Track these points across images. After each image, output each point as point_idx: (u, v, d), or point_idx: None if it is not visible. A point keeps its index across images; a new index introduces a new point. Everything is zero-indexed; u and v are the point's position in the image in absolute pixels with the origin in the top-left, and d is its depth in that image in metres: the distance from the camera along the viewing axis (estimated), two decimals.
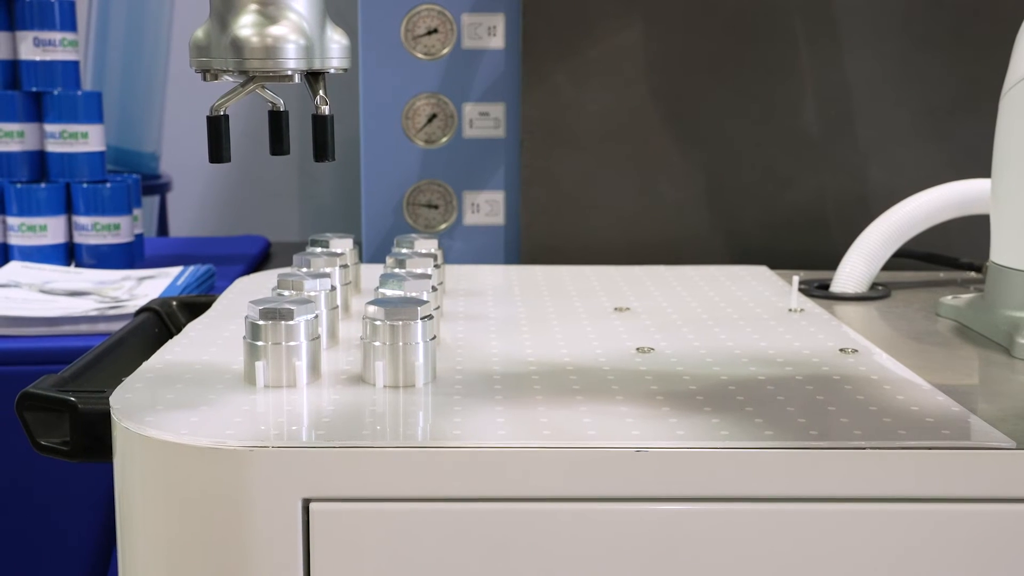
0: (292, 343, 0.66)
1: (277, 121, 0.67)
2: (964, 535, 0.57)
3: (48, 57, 1.44)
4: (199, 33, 0.63)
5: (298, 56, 0.61)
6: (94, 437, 0.65)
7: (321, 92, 0.63)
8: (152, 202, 2.32)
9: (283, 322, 0.65)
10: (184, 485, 0.58)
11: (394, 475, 0.57)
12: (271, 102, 0.66)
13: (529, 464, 0.57)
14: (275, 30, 0.60)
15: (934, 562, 0.57)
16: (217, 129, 0.63)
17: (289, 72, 0.61)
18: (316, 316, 0.67)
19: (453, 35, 1.16)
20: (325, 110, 0.63)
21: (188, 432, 0.58)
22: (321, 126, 0.64)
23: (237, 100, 0.63)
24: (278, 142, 0.66)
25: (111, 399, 0.64)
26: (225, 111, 0.63)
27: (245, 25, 0.60)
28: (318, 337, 0.67)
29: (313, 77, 0.63)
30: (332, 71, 0.64)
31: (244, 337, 0.67)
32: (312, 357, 0.67)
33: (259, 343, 0.66)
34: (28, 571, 1.09)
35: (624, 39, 1.14)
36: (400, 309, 0.66)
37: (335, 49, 0.64)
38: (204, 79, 0.63)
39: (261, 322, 0.65)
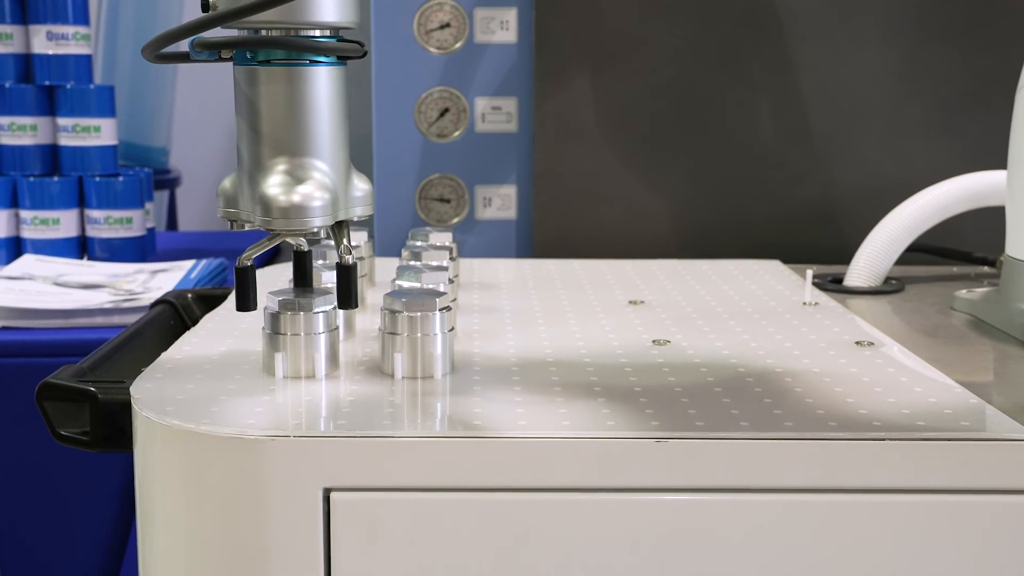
0: (311, 333, 0.66)
1: (301, 260, 0.68)
2: (983, 526, 0.57)
3: (61, 51, 1.45)
4: (226, 183, 0.64)
5: (324, 214, 0.62)
6: (114, 427, 0.65)
7: (345, 241, 0.64)
8: (161, 197, 2.33)
9: (302, 313, 0.66)
10: (205, 474, 0.58)
11: (414, 465, 0.57)
12: (296, 244, 0.68)
13: (549, 454, 0.57)
14: (302, 190, 0.61)
15: (953, 553, 0.58)
16: (244, 280, 0.64)
17: (315, 230, 0.63)
18: (334, 307, 0.67)
19: (466, 29, 1.16)
20: (349, 260, 0.64)
21: (209, 421, 0.59)
22: (344, 276, 0.65)
23: (264, 251, 0.65)
24: (302, 278, 0.68)
25: (131, 389, 0.64)
26: (252, 262, 0.64)
27: (272, 185, 0.61)
28: (336, 328, 0.68)
29: (337, 226, 0.65)
30: (356, 219, 0.66)
31: (263, 328, 0.67)
32: (331, 347, 0.67)
33: (278, 334, 0.66)
34: (43, 560, 1.09)
35: (637, 33, 1.14)
36: (418, 300, 0.67)
37: (358, 198, 0.65)
38: (231, 228, 0.65)
39: (280, 313, 0.66)
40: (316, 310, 0.66)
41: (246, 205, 0.63)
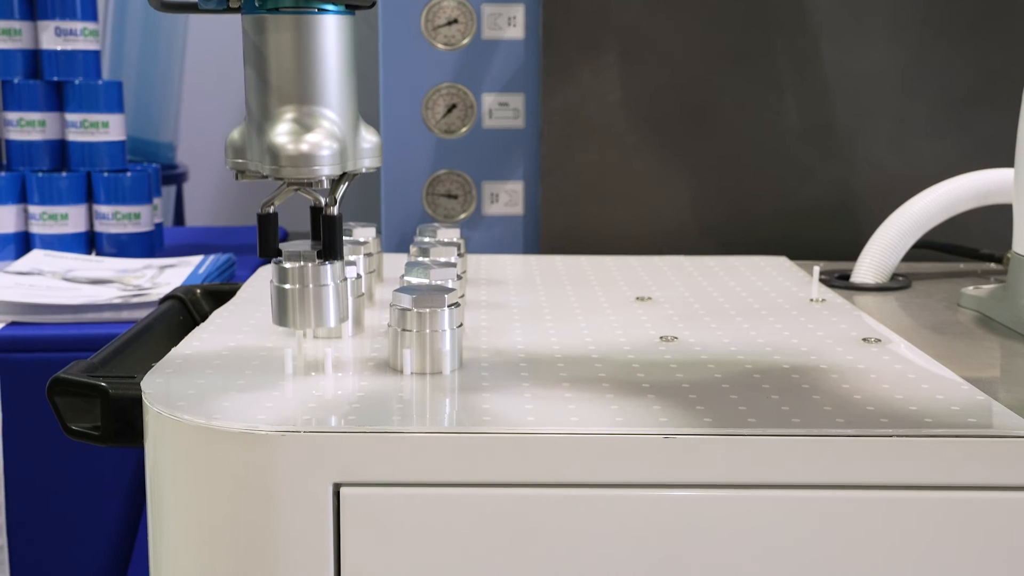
0: (319, 285, 0.65)
1: (318, 217, 0.67)
2: (989, 522, 0.58)
3: (69, 47, 1.45)
4: (235, 134, 0.64)
5: (332, 163, 0.62)
6: (125, 422, 0.66)
7: (340, 192, 0.64)
8: (169, 192, 2.33)
9: (310, 264, 0.65)
10: (215, 469, 0.59)
11: (424, 460, 0.57)
12: (313, 199, 0.67)
13: (558, 450, 0.57)
14: (310, 138, 0.61)
15: (959, 549, 0.58)
16: (266, 226, 0.64)
17: (323, 179, 0.62)
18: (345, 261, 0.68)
19: (473, 25, 1.16)
20: (333, 211, 0.64)
21: (220, 416, 0.59)
22: (329, 226, 0.65)
23: (283, 200, 0.64)
24: (318, 235, 0.67)
25: (142, 384, 0.65)
26: (274, 209, 0.64)
27: (281, 133, 0.61)
28: (345, 279, 0.67)
29: (339, 177, 0.65)
30: (364, 170, 0.65)
31: (271, 281, 0.66)
32: (339, 300, 0.66)
33: (287, 285, 0.65)
34: (53, 554, 1.10)
35: (644, 29, 1.14)
36: (427, 297, 0.67)
37: (367, 150, 0.65)
38: (236, 178, 0.65)
39: (288, 265, 0.65)
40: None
41: (254, 155, 0.63)
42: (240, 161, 0.64)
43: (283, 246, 0.66)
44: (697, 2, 1.14)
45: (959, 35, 1.14)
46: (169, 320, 0.87)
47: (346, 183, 0.65)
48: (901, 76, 1.15)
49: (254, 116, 0.63)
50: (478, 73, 1.17)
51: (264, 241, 0.65)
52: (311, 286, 0.65)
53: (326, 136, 0.62)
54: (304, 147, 0.61)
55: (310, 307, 0.65)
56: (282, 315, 0.66)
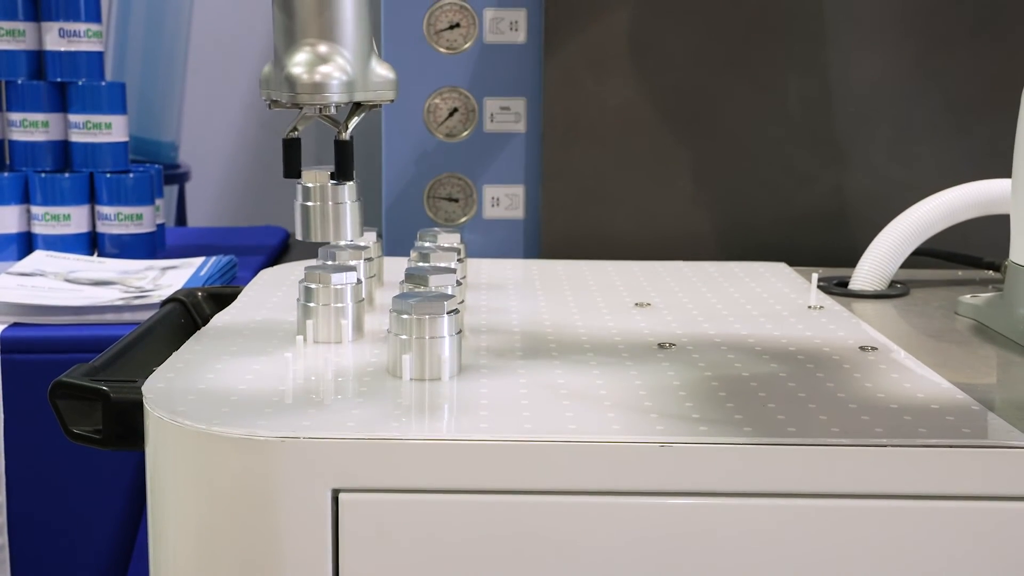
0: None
1: (338, 149, 0.73)
2: (984, 532, 0.58)
3: (73, 48, 1.45)
4: (266, 68, 0.72)
5: (341, 91, 0.69)
6: (126, 426, 0.66)
7: (353, 121, 0.71)
8: (171, 192, 2.33)
9: (329, 183, 0.72)
10: (215, 474, 0.59)
11: (422, 467, 0.58)
12: (337, 132, 0.73)
13: (554, 457, 0.58)
14: (322, 69, 0.68)
15: (953, 559, 0.58)
16: (290, 150, 0.72)
17: (332, 105, 0.70)
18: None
19: (475, 29, 1.17)
20: (345, 136, 0.72)
21: (220, 422, 0.59)
22: (341, 150, 0.72)
23: (305, 125, 0.71)
24: (337, 168, 0.73)
25: (143, 388, 0.65)
26: (297, 134, 0.71)
27: (297, 64, 0.69)
28: (359, 199, 0.73)
29: (354, 107, 0.72)
30: (377, 102, 0.72)
31: (294, 200, 0.72)
32: (354, 215, 0.72)
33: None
34: (54, 556, 1.10)
35: (646, 34, 1.15)
36: (426, 303, 0.67)
37: (378, 83, 0.71)
38: (269, 107, 0.73)
39: (310, 184, 0.72)
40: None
41: (277, 86, 0.70)
42: (267, 91, 0.72)
43: (304, 170, 0.73)
44: (698, 8, 1.14)
45: (959, 42, 1.15)
46: (171, 323, 0.87)
47: (361, 114, 0.72)
48: (901, 83, 1.16)
49: (278, 52, 0.70)
50: (480, 77, 1.18)
51: (288, 164, 0.72)
52: (331, 203, 0.72)
53: (337, 68, 0.69)
54: (317, 77, 0.68)
55: (330, 222, 0.72)
56: (306, 230, 0.72)
